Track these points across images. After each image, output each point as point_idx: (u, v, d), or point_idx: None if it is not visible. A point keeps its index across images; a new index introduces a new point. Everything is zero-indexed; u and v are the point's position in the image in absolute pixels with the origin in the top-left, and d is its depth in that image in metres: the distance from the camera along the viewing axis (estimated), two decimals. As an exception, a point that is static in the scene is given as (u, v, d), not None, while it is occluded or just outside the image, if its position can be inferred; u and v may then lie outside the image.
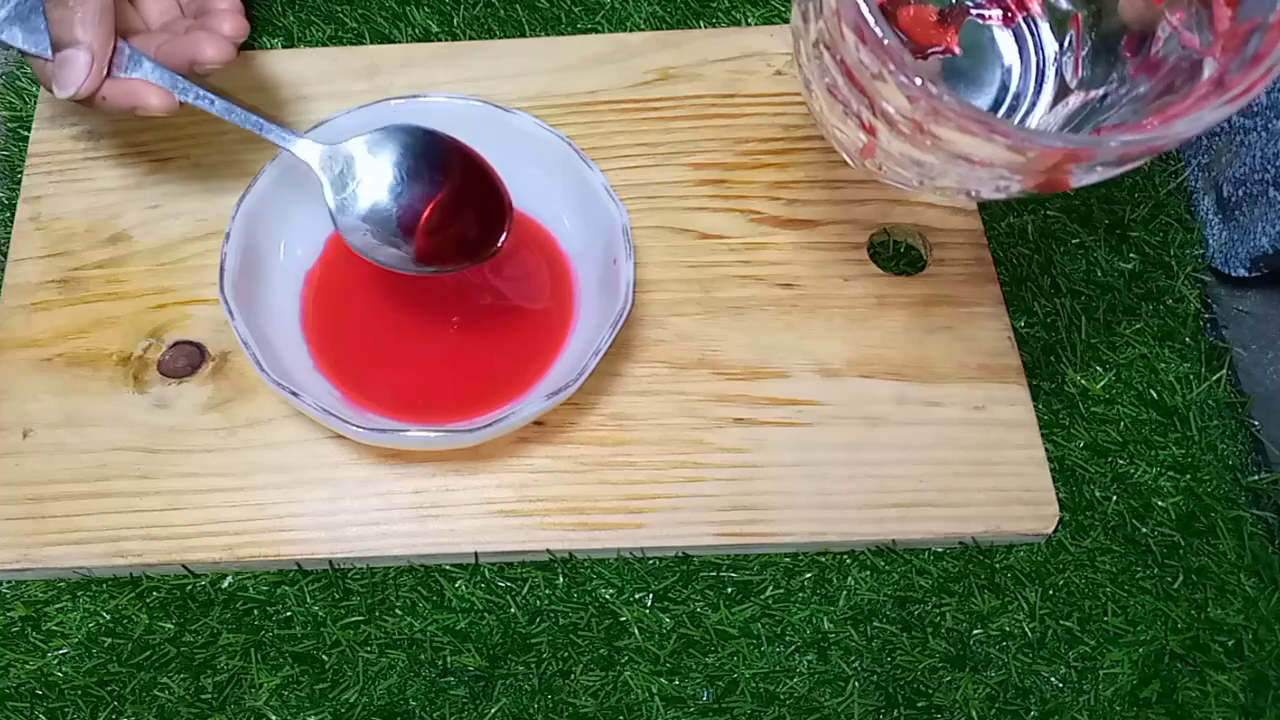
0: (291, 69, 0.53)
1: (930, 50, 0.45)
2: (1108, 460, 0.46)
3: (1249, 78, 0.35)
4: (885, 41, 0.36)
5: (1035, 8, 0.44)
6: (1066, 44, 0.44)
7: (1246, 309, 0.51)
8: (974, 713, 0.42)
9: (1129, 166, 0.37)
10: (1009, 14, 0.45)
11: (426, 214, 0.44)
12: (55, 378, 0.47)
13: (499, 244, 0.43)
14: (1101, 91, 0.42)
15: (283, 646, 0.43)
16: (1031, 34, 0.45)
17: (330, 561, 0.44)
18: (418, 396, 0.45)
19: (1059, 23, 0.44)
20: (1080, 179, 0.37)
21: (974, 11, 0.45)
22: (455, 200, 0.44)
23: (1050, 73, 0.44)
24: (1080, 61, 0.43)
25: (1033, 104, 0.43)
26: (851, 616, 0.43)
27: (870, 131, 0.39)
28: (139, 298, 0.48)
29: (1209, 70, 0.37)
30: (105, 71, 0.42)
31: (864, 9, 0.36)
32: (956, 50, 0.45)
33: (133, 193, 0.51)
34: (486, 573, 0.44)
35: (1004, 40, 0.45)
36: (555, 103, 0.52)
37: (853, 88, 0.38)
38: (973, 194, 0.40)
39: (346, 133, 0.47)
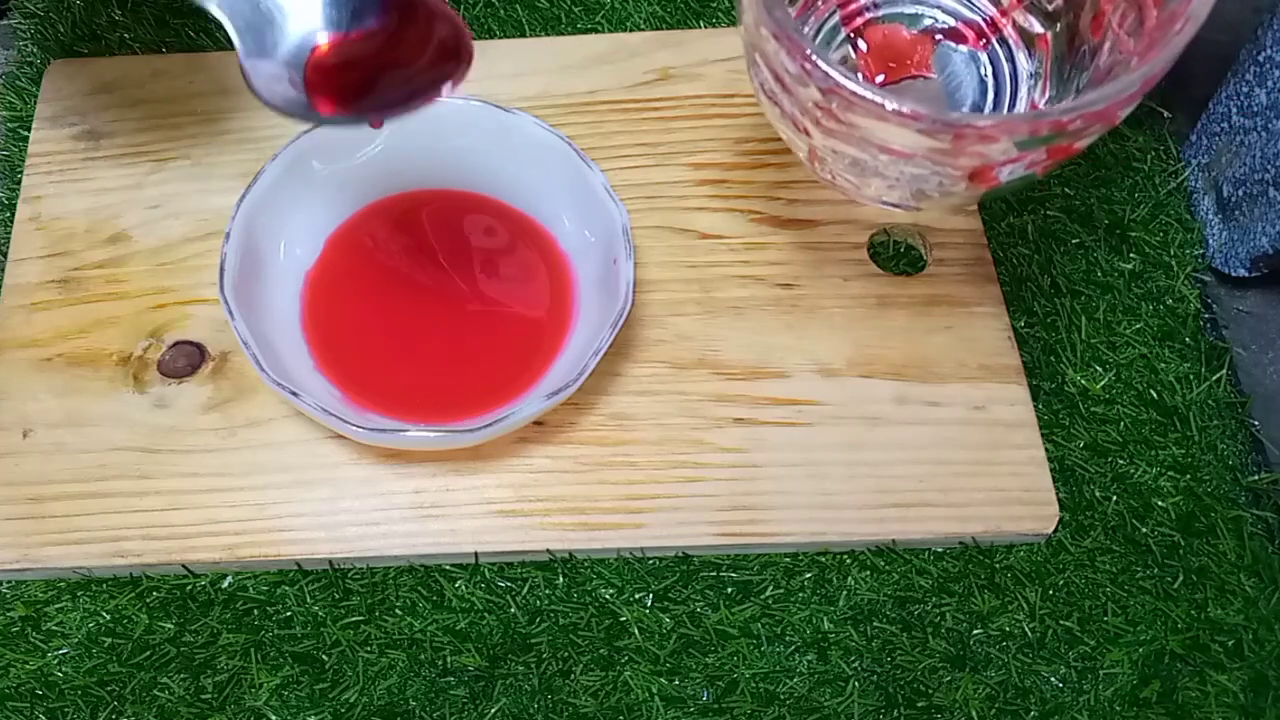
0: (291, 69, 0.53)
1: (904, 76, 0.46)
2: (1108, 460, 0.46)
3: (1149, 58, 0.36)
4: (785, 30, 0.36)
5: (1009, 30, 0.45)
6: (1036, 64, 0.44)
7: (1246, 309, 0.51)
8: (974, 713, 0.42)
9: (1056, 159, 0.37)
10: (984, 38, 0.45)
11: (359, 51, 0.39)
12: (55, 378, 0.47)
13: (452, 83, 0.38)
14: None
15: (283, 646, 0.43)
16: (1006, 57, 0.45)
17: (330, 561, 0.44)
18: (418, 396, 0.45)
19: (1030, 44, 0.44)
20: (1005, 170, 0.37)
21: (940, 36, 0.45)
22: (400, 41, 0.40)
23: (1023, 93, 0.44)
24: (1049, 80, 0.43)
25: None
26: (851, 616, 0.43)
27: (805, 133, 0.40)
28: (139, 298, 0.48)
29: (1133, 64, 0.38)
30: None
31: (764, 4, 0.37)
32: (930, 74, 0.45)
33: (133, 193, 0.51)
34: (486, 573, 0.44)
35: (980, 63, 0.45)
36: (555, 103, 0.52)
37: (783, 89, 0.39)
38: (914, 195, 0.40)
39: (347, 133, 0.47)
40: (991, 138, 0.35)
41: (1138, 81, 0.35)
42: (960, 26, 0.45)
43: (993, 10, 0.45)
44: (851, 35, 0.46)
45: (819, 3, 0.46)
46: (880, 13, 0.46)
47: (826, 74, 0.36)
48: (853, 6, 0.46)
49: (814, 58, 0.36)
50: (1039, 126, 0.35)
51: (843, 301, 0.49)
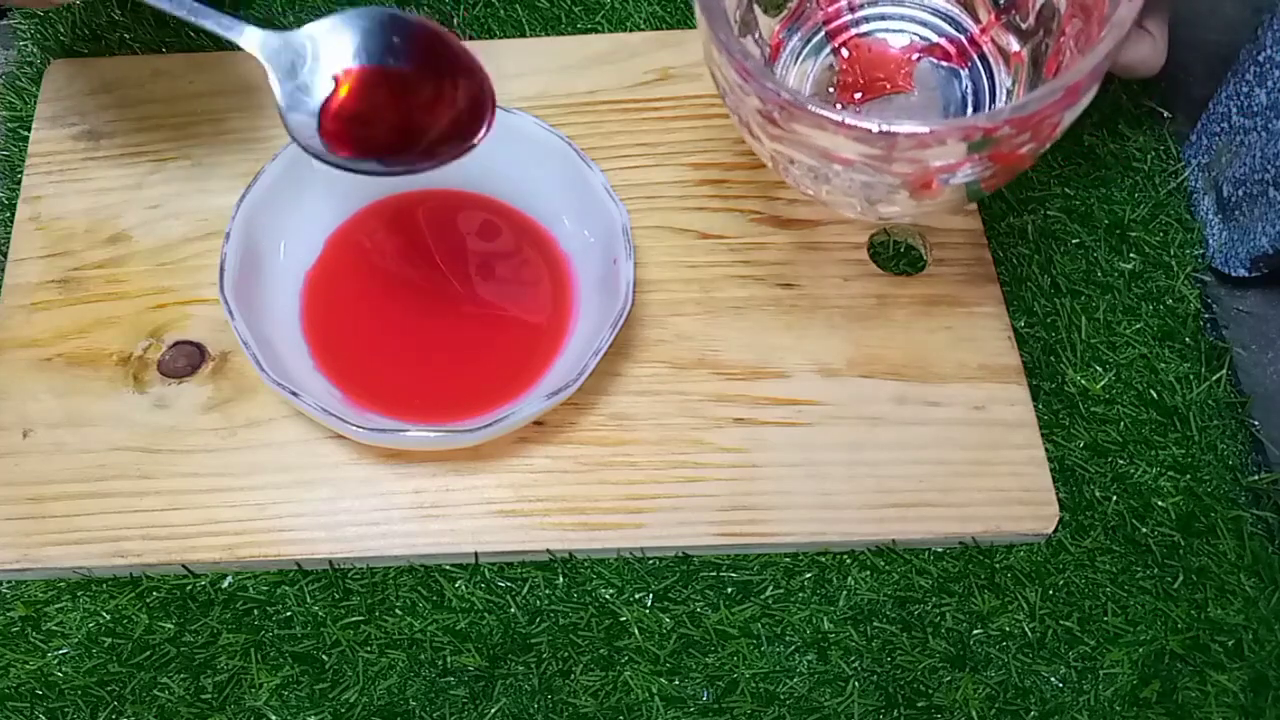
0: (291, 69, 0.53)
1: (885, 91, 0.46)
2: (1108, 460, 0.46)
3: (1070, 65, 0.37)
4: (725, 45, 0.37)
5: (988, 47, 0.45)
6: (1013, 81, 0.44)
7: (1246, 309, 0.51)
8: (974, 713, 0.42)
9: (1001, 164, 0.38)
10: (965, 55, 0.46)
11: (394, 105, 0.40)
12: (55, 378, 0.47)
13: (478, 137, 0.40)
14: None
15: (283, 646, 0.43)
16: (986, 73, 0.45)
17: (330, 561, 0.44)
18: (418, 396, 0.45)
19: (1007, 61, 0.45)
20: (945, 178, 0.38)
21: (919, 54, 0.46)
22: (428, 89, 0.41)
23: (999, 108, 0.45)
24: (1022, 96, 0.44)
25: None
26: (851, 616, 0.43)
27: (759, 140, 0.40)
28: (139, 298, 0.48)
29: None
30: None
31: (702, 11, 0.38)
32: (910, 88, 0.46)
33: (133, 193, 0.51)
34: (486, 573, 0.44)
35: (960, 79, 0.46)
36: (555, 103, 0.52)
37: (734, 99, 0.40)
38: (868, 202, 0.41)
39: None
40: (924, 144, 0.36)
41: (1060, 89, 0.35)
42: (942, 43, 0.46)
43: (973, 28, 0.45)
44: (836, 49, 0.47)
45: (805, 16, 0.46)
46: (865, 28, 0.47)
47: (763, 84, 0.37)
48: (838, 22, 0.47)
49: (750, 69, 0.37)
50: (971, 132, 0.35)
51: (843, 301, 0.48)
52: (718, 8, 0.39)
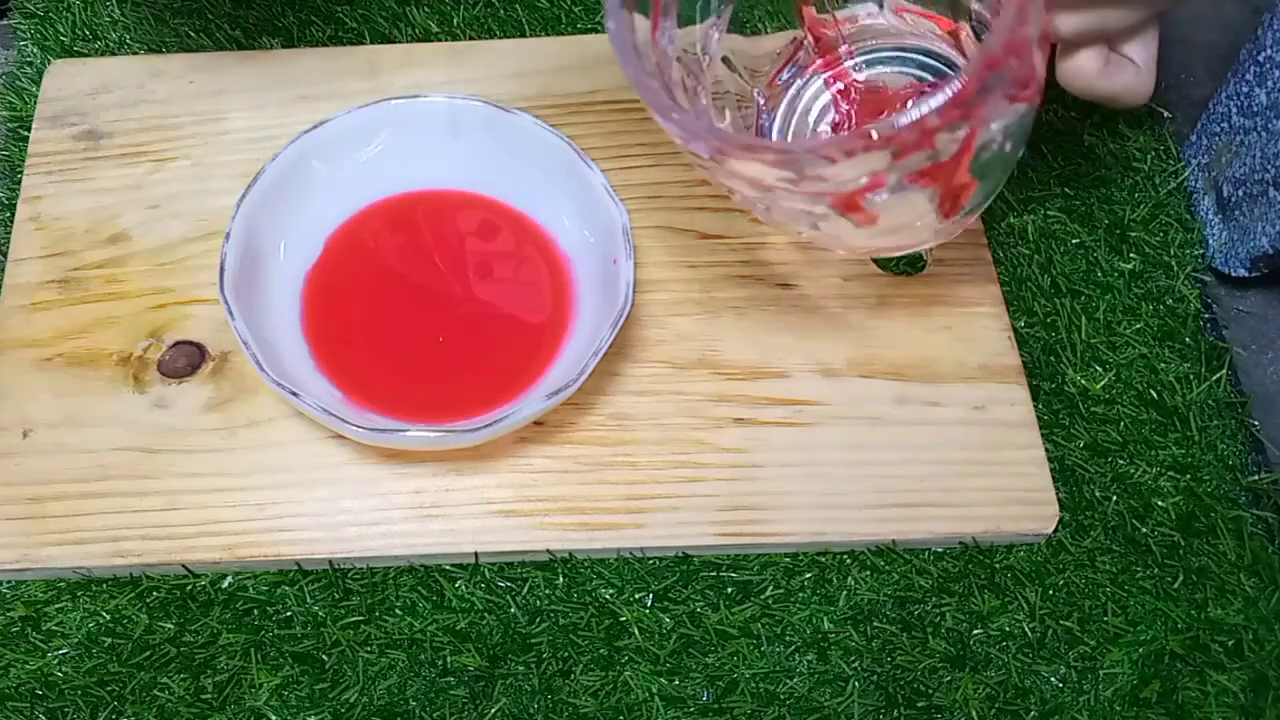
0: (291, 69, 0.53)
1: None
2: (1108, 460, 0.46)
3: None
4: (641, 81, 0.37)
5: None
6: None
7: (1246, 309, 0.51)
8: (974, 713, 0.42)
9: (940, 183, 0.38)
10: None
11: None
12: (55, 378, 0.47)
13: None
14: None
15: (283, 646, 0.43)
16: None
17: (330, 561, 0.44)
18: (418, 396, 0.45)
19: None
20: (871, 198, 0.38)
21: (915, 96, 0.46)
22: None
23: None
24: None
25: None
26: (851, 616, 0.43)
27: (692, 167, 0.40)
28: (139, 298, 0.48)
29: None
30: None
31: (619, 54, 0.38)
32: None
33: (133, 193, 0.51)
34: (486, 573, 0.44)
35: None
36: (555, 103, 0.52)
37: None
38: (813, 229, 0.41)
39: (347, 133, 0.47)
40: (829, 159, 0.36)
41: (943, 98, 0.35)
42: (942, 83, 0.46)
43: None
44: (835, 92, 0.47)
45: (803, 61, 0.47)
46: (863, 74, 0.47)
47: (673, 118, 0.37)
48: (838, 69, 0.47)
49: (659, 104, 0.37)
50: (854, 146, 0.35)
51: (843, 301, 0.49)
52: (627, 44, 0.38)
